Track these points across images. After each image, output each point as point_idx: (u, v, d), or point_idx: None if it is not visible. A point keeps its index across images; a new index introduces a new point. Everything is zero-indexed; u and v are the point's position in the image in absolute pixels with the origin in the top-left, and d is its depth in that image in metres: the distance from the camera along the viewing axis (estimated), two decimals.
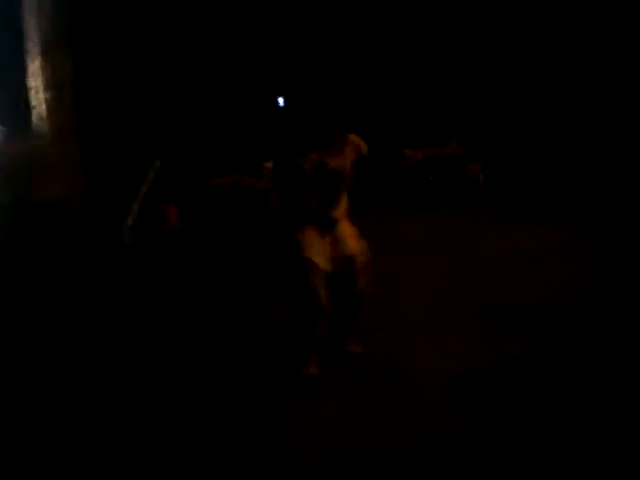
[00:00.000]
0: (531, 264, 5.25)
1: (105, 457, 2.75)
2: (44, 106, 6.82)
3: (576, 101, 8.12)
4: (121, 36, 7.39)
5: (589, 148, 7.85)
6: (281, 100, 8.42)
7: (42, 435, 2.96)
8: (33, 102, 6.85)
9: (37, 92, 6.82)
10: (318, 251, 3.25)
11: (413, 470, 2.51)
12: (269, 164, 6.42)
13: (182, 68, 7.55)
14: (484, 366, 3.39)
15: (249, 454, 2.70)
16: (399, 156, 8.50)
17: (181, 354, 3.81)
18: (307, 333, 3.28)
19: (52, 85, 6.84)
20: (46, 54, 6.81)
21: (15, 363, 3.76)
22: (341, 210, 3.39)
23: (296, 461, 2.63)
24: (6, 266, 5.22)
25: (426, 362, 3.47)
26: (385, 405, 3.05)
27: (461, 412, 2.94)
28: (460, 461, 2.58)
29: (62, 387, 3.43)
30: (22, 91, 6.83)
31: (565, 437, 2.70)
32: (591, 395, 3.03)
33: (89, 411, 3.15)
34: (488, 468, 2.54)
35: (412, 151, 8.60)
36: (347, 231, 3.40)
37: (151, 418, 3.06)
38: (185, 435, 2.88)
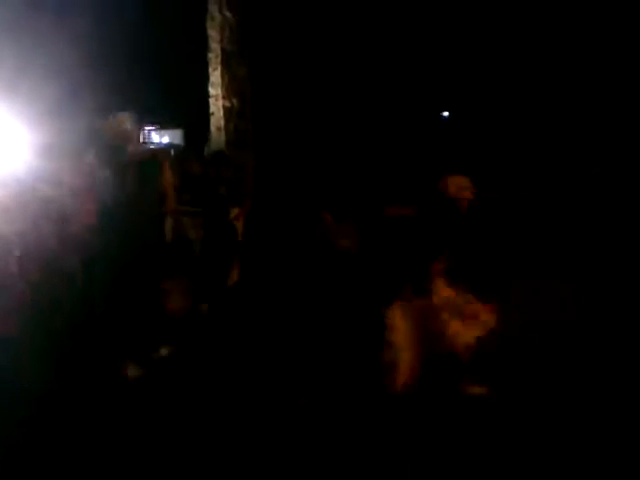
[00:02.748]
0: None
1: None
2: (222, 113, 6.83)
3: None
4: (296, 47, 7.38)
5: None
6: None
7: None
8: (212, 109, 6.87)
9: (217, 100, 6.85)
10: None
11: None
12: None
13: (355, 79, 7.39)
14: None
15: None
16: None
17: None
18: None
19: (231, 94, 6.87)
20: (226, 64, 6.88)
21: None
22: None
23: None
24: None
25: None
26: None
27: None
28: None
29: None
30: (202, 99, 6.90)
31: None
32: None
33: None
34: None
35: None
36: None
37: None
38: None
